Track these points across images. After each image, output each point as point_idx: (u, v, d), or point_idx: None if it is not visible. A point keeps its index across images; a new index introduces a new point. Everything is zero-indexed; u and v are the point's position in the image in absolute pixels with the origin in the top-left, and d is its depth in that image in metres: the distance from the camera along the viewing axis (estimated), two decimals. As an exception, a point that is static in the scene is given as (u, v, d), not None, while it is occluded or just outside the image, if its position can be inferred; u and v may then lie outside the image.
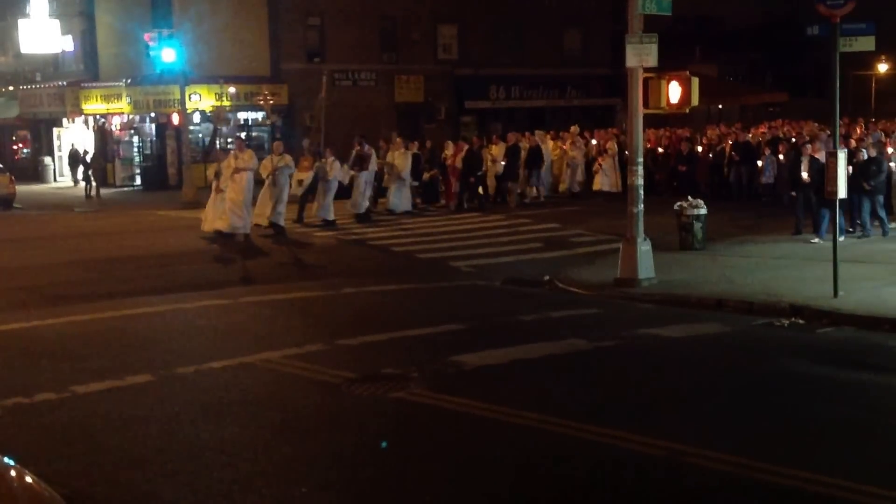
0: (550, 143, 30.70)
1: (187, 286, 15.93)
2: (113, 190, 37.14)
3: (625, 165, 29.68)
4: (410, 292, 15.30)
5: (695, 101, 15.35)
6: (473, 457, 7.68)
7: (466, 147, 27.13)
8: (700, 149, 28.25)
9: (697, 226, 18.07)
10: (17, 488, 4.52)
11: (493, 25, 42.08)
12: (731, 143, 27.59)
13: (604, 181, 29.43)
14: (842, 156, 13.71)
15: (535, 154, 28.55)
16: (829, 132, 25.02)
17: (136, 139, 39.89)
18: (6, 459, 4.76)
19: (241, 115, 38.54)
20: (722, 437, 7.94)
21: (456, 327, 12.28)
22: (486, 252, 19.04)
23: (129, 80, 36.58)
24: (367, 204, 25.23)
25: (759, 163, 25.77)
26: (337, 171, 24.07)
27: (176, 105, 32.78)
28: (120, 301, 14.47)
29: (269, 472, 7.37)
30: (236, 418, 8.67)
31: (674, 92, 15.08)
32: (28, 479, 4.60)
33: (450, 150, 27.79)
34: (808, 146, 19.62)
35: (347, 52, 39.12)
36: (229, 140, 36.67)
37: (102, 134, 40.20)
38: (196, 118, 36.73)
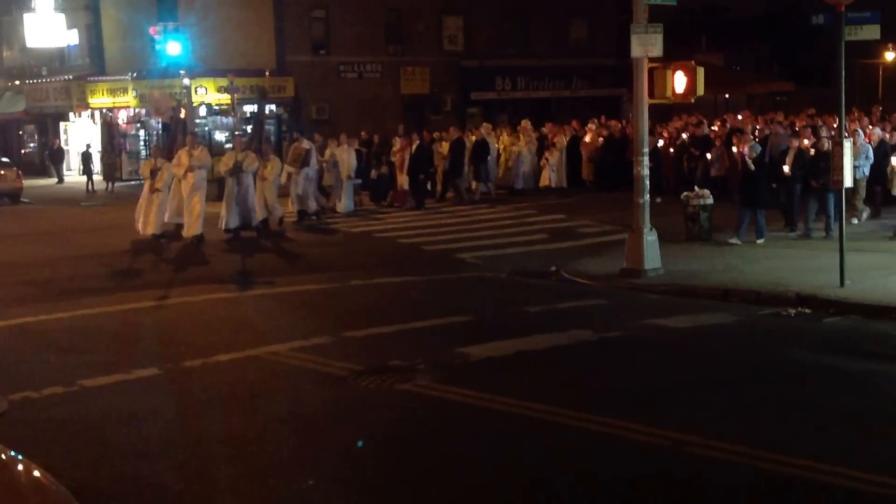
0: (506, 138, 29.29)
1: (193, 280, 15.97)
2: (120, 184, 37.18)
3: (574, 160, 28.34)
4: (417, 284, 15.32)
5: (700, 90, 15.33)
6: (479, 448, 7.70)
7: (417, 142, 25.75)
8: (661, 143, 26.01)
9: (704, 216, 18.02)
10: (24, 482, 4.54)
11: (499, 16, 41.99)
12: (688, 136, 25.92)
13: (552, 176, 28.10)
14: (848, 145, 13.67)
15: (481, 148, 27.24)
16: (790, 125, 24.56)
17: (142, 133, 39.92)
18: (13, 453, 4.79)
19: (248, 108, 38.51)
20: (727, 426, 7.94)
21: (462, 319, 12.29)
22: (492, 244, 19.02)
23: (134, 74, 36.61)
24: (314, 205, 23.58)
25: (709, 155, 24.09)
26: (277, 169, 22.21)
27: (182, 98, 32.78)
28: (126, 294, 14.50)
29: (277, 464, 7.40)
30: (243, 411, 8.70)
31: (679, 82, 15.06)
32: (35, 472, 4.63)
33: (397, 145, 26.36)
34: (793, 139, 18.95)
35: (353, 44, 39.10)
36: (237, 133, 36.69)
37: (109, 128, 40.25)
38: (202, 111, 36.77)
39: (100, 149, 39.08)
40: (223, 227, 20.59)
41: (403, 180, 25.86)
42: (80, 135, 41.61)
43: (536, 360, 10.30)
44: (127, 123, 40.13)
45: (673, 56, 15.56)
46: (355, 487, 6.96)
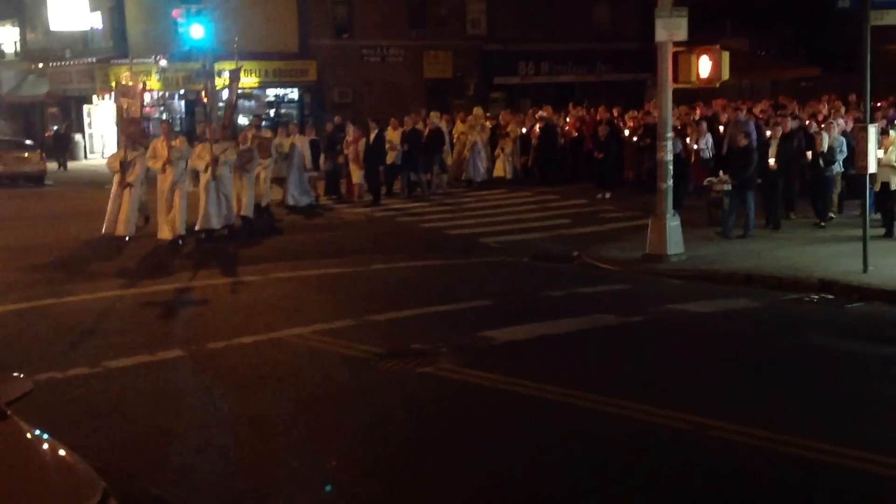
0: (460, 126, 27.16)
1: (215, 263, 16.04)
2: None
3: (525, 150, 26.82)
4: (439, 268, 15.33)
5: (725, 75, 15.23)
6: (501, 431, 7.72)
7: (376, 131, 23.60)
8: (627, 132, 24.53)
9: (727, 201, 17.85)
10: (50, 461, 4.60)
11: (522, 0, 41.76)
12: (643, 125, 24.17)
13: (507, 167, 26.43)
14: (872, 130, 13.55)
15: (437, 138, 25.47)
16: (746, 111, 23.30)
17: (165, 116, 40.08)
18: (39, 432, 4.84)
19: (270, 92, 38.61)
20: (749, 411, 7.93)
21: (484, 303, 12.31)
22: (515, 228, 19.01)
23: (157, 57, 36.71)
24: (269, 199, 21.10)
25: None
26: (256, 162, 19.90)
27: (203, 83, 32.82)
28: (150, 277, 14.61)
29: (300, 445, 7.46)
30: (267, 393, 8.76)
31: (704, 66, 14.96)
32: (61, 451, 4.68)
33: (351, 135, 24.07)
34: (778, 128, 17.86)
35: (376, 27, 39.01)
36: (259, 117, 36.71)
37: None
38: (226, 94, 36.82)
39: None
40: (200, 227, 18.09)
41: (357, 173, 23.81)
42: (104, 118, 41.69)
43: (559, 344, 10.30)
44: (150, 107, 40.28)
45: (697, 40, 15.44)
46: (377, 470, 7.00)
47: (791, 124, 18.53)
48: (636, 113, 26.51)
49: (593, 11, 44.05)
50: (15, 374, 5.43)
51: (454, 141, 27.03)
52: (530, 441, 7.47)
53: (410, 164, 24.45)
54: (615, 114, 26.48)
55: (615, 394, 8.37)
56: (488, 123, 27.85)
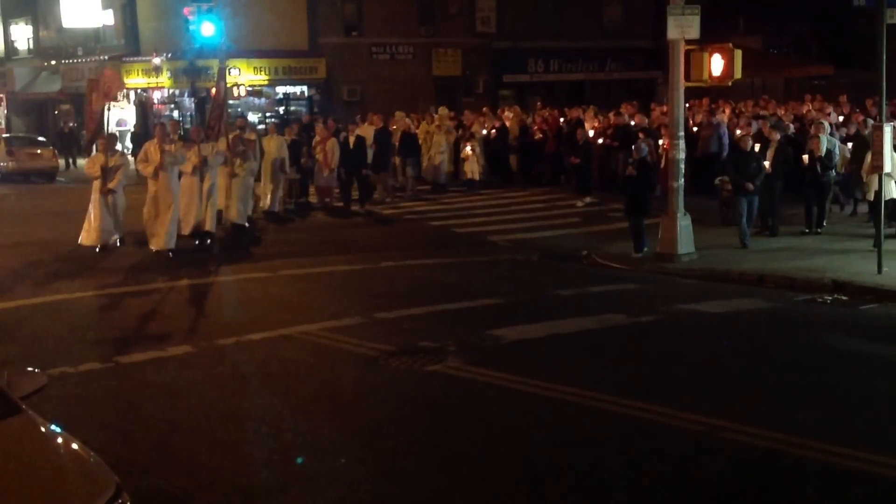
0: (425, 126, 26.30)
1: (226, 260, 16.04)
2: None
3: (494, 151, 26.04)
4: (448, 266, 15.31)
5: (737, 73, 15.16)
6: (510, 430, 7.71)
7: (357, 133, 22.60)
8: (592, 133, 23.33)
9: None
10: (63, 455, 4.61)
11: (532, -3, 41.71)
12: (610, 126, 23.51)
13: (473, 168, 25.45)
14: (888, 130, 13.48)
15: (411, 139, 24.91)
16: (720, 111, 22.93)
17: (175, 113, 40.14)
18: (53, 427, 4.86)
19: (280, 89, 38.62)
20: (761, 412, 7.89)
21: (493, 301, 12.29)
22: (524, 227, 18.97)
23: (168, 55, 36.79)
24: (251, 204, 19.92)
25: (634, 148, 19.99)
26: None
27: (215, 79, 32.84)
28: (160, 273, 14.63)
29: (309, 442, 7.45)
30: (276, 390, 8.76)
31: (716, 64, 14.90)
32: (74, 445, 4.70)
33: (319, 135, 22.67)
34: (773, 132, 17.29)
35: (385, 25, 39.01)
36: (268, 115, 36.76)
37: (143, 108, 40.52)
38: (235, 92, 36.88)
39: (132, 129, 39.36)
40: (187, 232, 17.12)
41: (326, 176, 22.39)
42: (115, 115, 41.68)
43: (568, 343, 10.27)
44: (161, 104, 40.40)
45: (710, 38, 15.38)
46: (386, 467, 6.99)
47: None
48: (592, 113, 25.62)
49: (604, 9, 43.94)
50: (29, 368, 5.46)
51: (420, 142, 26.11)
52: (539, 440, 7.45)
53: (382, 164, 23.28)
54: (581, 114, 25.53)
55: (625, 394, 8.34)
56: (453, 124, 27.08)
